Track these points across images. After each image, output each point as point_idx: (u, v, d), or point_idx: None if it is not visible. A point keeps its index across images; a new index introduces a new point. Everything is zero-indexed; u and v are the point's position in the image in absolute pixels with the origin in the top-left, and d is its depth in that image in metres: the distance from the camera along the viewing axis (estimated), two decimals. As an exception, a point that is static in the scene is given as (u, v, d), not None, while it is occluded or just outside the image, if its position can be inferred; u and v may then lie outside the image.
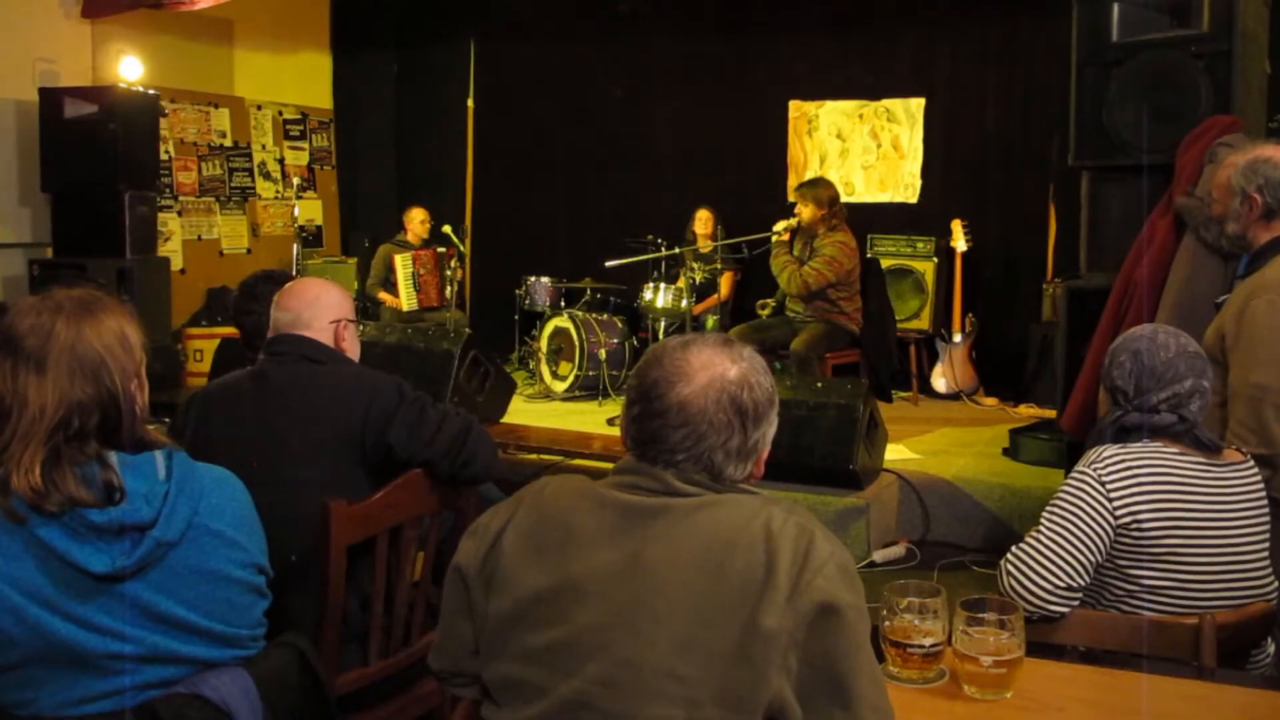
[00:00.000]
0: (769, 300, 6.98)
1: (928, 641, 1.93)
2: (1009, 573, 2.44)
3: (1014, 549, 2.56)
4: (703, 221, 8.17)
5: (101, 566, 1.81)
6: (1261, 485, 2.54)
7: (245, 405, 2.77)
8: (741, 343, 1.75)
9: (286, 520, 2.34)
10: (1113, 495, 2.40)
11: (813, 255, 6.58)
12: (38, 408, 1.84)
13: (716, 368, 1.67)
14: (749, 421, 1.68)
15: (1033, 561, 2.40)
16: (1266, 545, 2.50)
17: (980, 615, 1.93)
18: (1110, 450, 2.46)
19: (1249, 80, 4.65)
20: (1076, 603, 2.38)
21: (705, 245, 7.80)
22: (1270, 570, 2.50)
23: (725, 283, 8.05)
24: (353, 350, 2.94)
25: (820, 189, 6.72)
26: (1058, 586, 2.36)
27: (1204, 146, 4.33)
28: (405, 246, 8.61)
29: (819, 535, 1.58)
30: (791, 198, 8.25)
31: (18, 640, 1.78)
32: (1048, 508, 2.49)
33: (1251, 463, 2.56)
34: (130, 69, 7.58)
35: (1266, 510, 2.52)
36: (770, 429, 1.73)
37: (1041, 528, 2.46)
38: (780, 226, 6.70)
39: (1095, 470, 2.44)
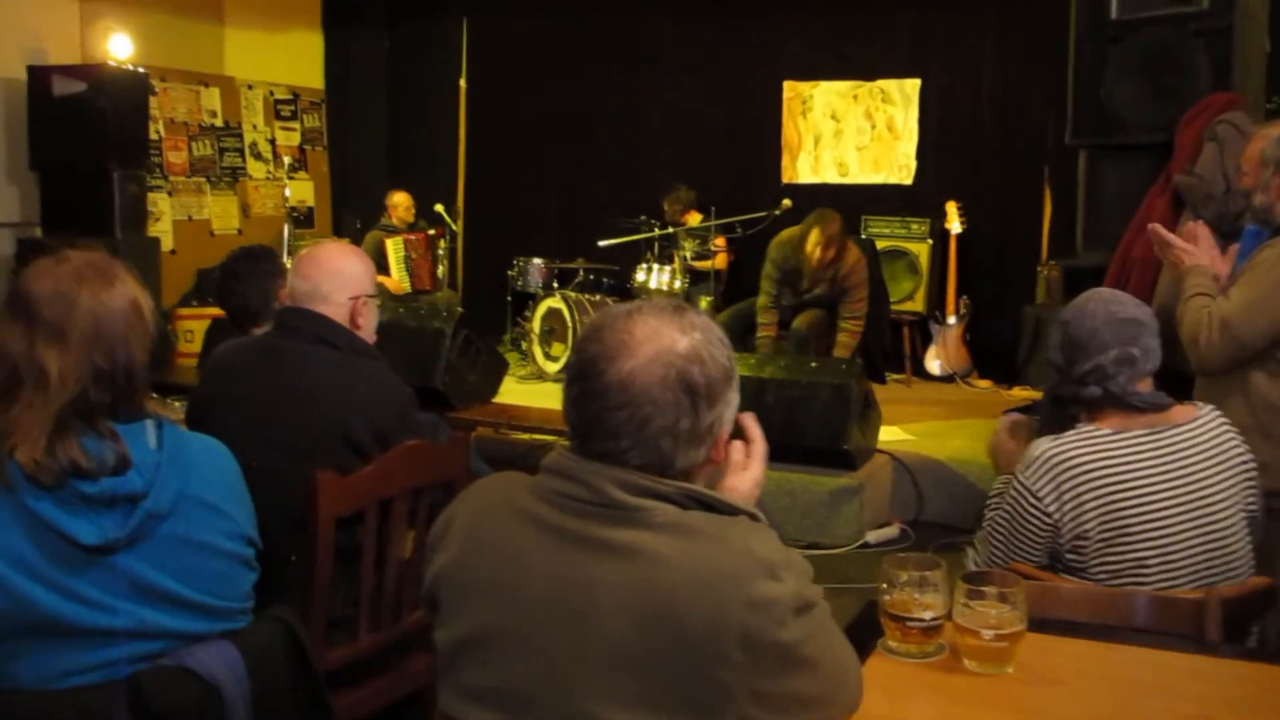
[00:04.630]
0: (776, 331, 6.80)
1: (927, 615, 1.90)
2: (974, 561, 2.55)
3: (978, 536, 2.59)
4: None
5: (92, 538, 1.77)
6: (1227, 435, 2.44)
7: (252, 380, 2.72)
8: (695, 310, 1.56)
9: (277, 500, 2.31)
10: (1046, 504, 2.37)
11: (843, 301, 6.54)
12: (57, 380, 1.79)
13: (663, 339, 1.47)
14: (700, 400, 1.48)
15: (990, 560, 2.48)
16: (1236, 498, 2.41)
17: (981, 588, 1.90)
18: (1040, 449, 2.40)
19: (1248, 58, 4.63)
20: None
21: (693, 219, 7.78)
22: (1244, 526, 2.43)
23: (720, 261, 7.96)
24: (368, 328, 2.85)
25: (834, 223, 6.47)
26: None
27: (1203, 124, 4.31)
28: (393, 231, 8.55)
29: (765, 581, 1.41)
30: (789, 179, 8.25)
31: (3, 611, 1.74)
32: (996, 511, 2.51)
33: (1210, 414, 2.46)
34: (119, 47, 7.50)
35: (1237, 461, 2.43)
36: (728, 409, 1.54)
37: (991, 533, 2.50)
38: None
39: (1027, 477, 2.40)
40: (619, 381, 1.46)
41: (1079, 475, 2.35)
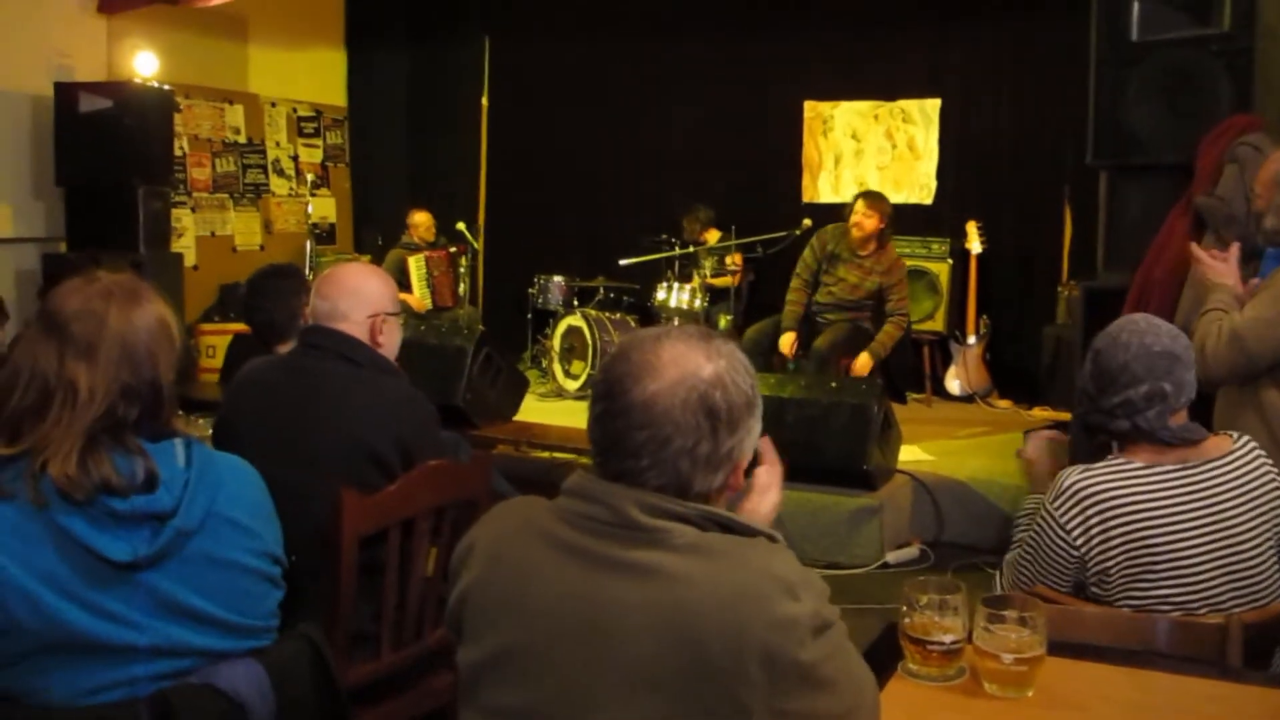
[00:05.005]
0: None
1: (948, 638, 1.91)
2: (1001, 585, 2.58)
3: (1007, 559, 2.60)
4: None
5: (122, 555, 1.79)
6: (1260, 466, 2.41)
7: (277, 398, 2.74)
8: (724, 338, 1.58)
9: (302, 518, 2.33)
10: (1073, 535, 2.37)
11: (884, 294, 6.56)
12: (87, 394, 1.81)
13: (688, 363, 1.50)
14: (721, 426, 1.50)
15: (1020, 583, 2.50)
16: (1266, 529, 2.39)
17: (1001, 612, 1.90)
18: (1070, 480, 2.39)
19: (1270, 79, 4.62)
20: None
21: (712, 237, 7.80)
22: (1271, 556, 2.40)
23: (735, 279, 7.94)
24: (390, 345, 2.86)
25: (885, 202, 6.60)
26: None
27: (1224, 146, 4.30)
28: (414, 249, 8.59)
29: (785, 601, 1.42)
30: (810, 198, 8.25)
31: (31, 628, 1.76)
32: (1025, 533, 2.52)
33: (1245, 445, 2.44)
34: (145, 64, 7.57)
35: (1267, 492, 2.40)
36: (749, 436, 1.55)
37: (1018, 558, 2.52)
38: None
39: (1055, 507, 2.40)
40: (642, 401, 1.49)
41: (1106, 509, 2.35)
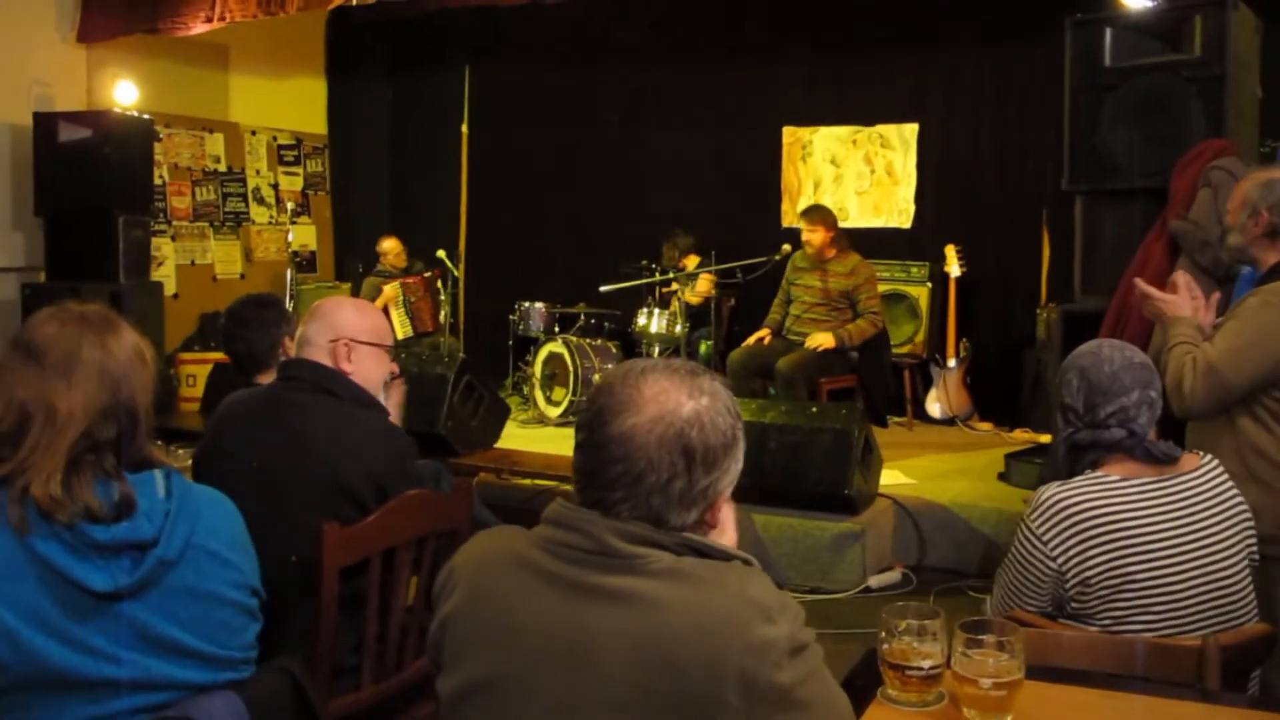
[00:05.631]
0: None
1: (926, 664, 1.91)
2: (991, 596, 2.63)
3: (998, 573, 2.62)
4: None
5: (103, 584, 1.78)
6: (1227, 484, 2.48)
7: (256, 430, 2.74)
8: (712, 376, 1.60)
9: (281, 550, 2.32)
10: (1051, 549, 2.40)
11: (853, 296, 6.76)
12: (65, 415, 1.82)
13: (668, 401, 1.52)
14: (696, 465, 1.51)
15: (1003, 599, 2.54)
16: (1240, 546, 2.44)
17: (979, 637, 1.91)
18: (1048, 494, 2.43)
19: (1241, 104, 4.68)
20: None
21: (691, 262, 7.85)
22: (1248, 573, 2.45)
23: (704, 289, 7.95)
24: (362, 374, 2.82)
25: (826, 213, 6.92)
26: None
27: (1198, 170, 4.36)
28: (388, 276, 8.61)
29: (761, 624, 1.44)
30: (789, 223, 8.29)
31: (10, 665, 1.75)
32: (1011, 547, 2.54)
33: (1212, 463, 2.51)
34: (125, 94, 7.58)
35: (1237, 510, 2.46)
36: (726, 476, 1.56)
37: (1005, 569, 2.55)
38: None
39: (1033, 522, 2.44)
40: (619, 435, 1.51)
41: (1085, 521, 2.38)
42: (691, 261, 8.09)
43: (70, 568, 1.77)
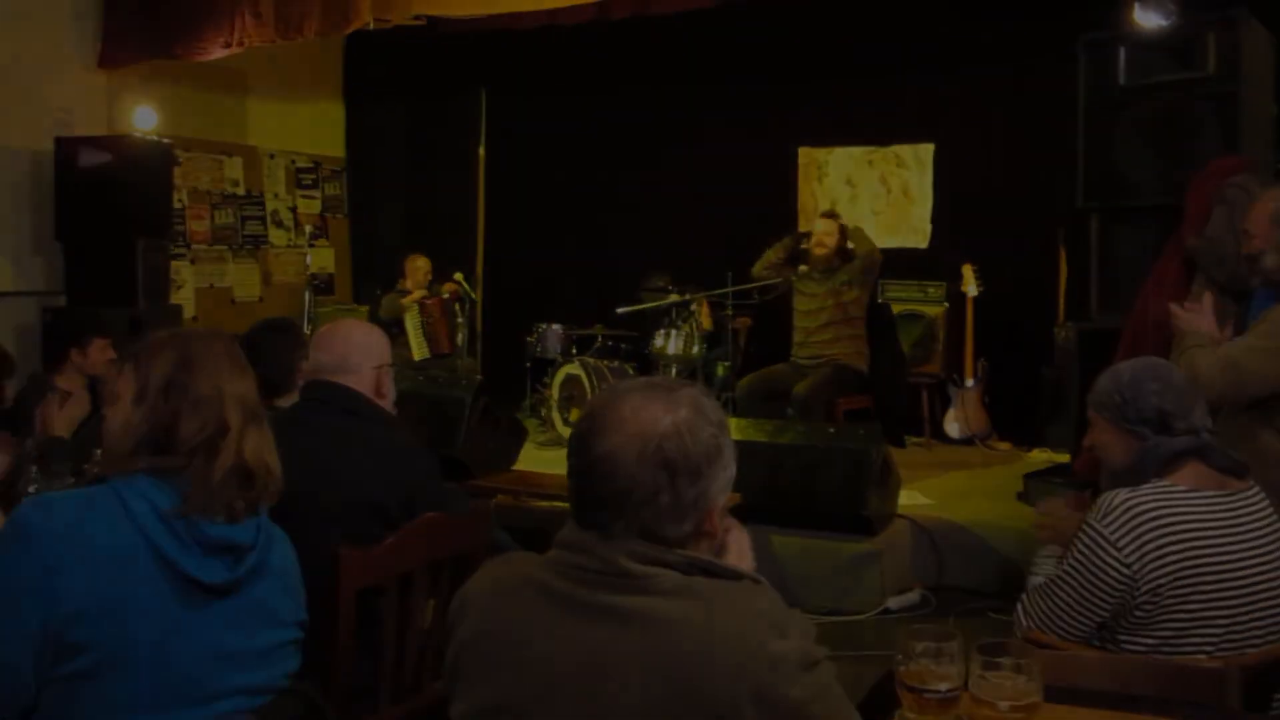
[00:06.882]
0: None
1: (944, 686, 1.90)
2: (1026, 612, 2.52)
3: (1030, 593, 2.56)
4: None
5: (209, 576, 1.86)
6: (1268, 508, 2.48)
7: (282, 452, 2.76)
8: (694, 387, 1.61)
9: (310, 572, 2.33)
10: (1126, 554, 2.37)
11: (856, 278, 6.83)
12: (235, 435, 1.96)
13: (645, 417, 1.54)
14: (680, 476, 1.52)
15: (1053, 610, 2.47)
16: None
17: (997, 659, 1.90)
18: (1120, 499, 2.41)
19: (1255, 122, 4.68)
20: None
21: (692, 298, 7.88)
22: None
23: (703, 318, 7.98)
24: (389, 396, 2.94)
25: (836, 216, 6.98)
26: (1075, 631, 2.43)
27: (1212, 187, 4.34)
28: (409, 295, 8.61)
29: (774, 640, 1.46)
30: (806, 227, 8.30)
31: (98, 644, 1.79)
32: (1067, 560, 2.48)
33: (1257, 488, 2.51)
34: (144, 119, 7.64)
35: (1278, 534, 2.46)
36: (715, 484, 1.56)
37: (1056, 588, 2.48)
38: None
39: (1105, 526, 2.40)
40: (601, 456, 1.54)
41: (1160, 526, 2.37)
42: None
43: (179, 559, 1.84)
